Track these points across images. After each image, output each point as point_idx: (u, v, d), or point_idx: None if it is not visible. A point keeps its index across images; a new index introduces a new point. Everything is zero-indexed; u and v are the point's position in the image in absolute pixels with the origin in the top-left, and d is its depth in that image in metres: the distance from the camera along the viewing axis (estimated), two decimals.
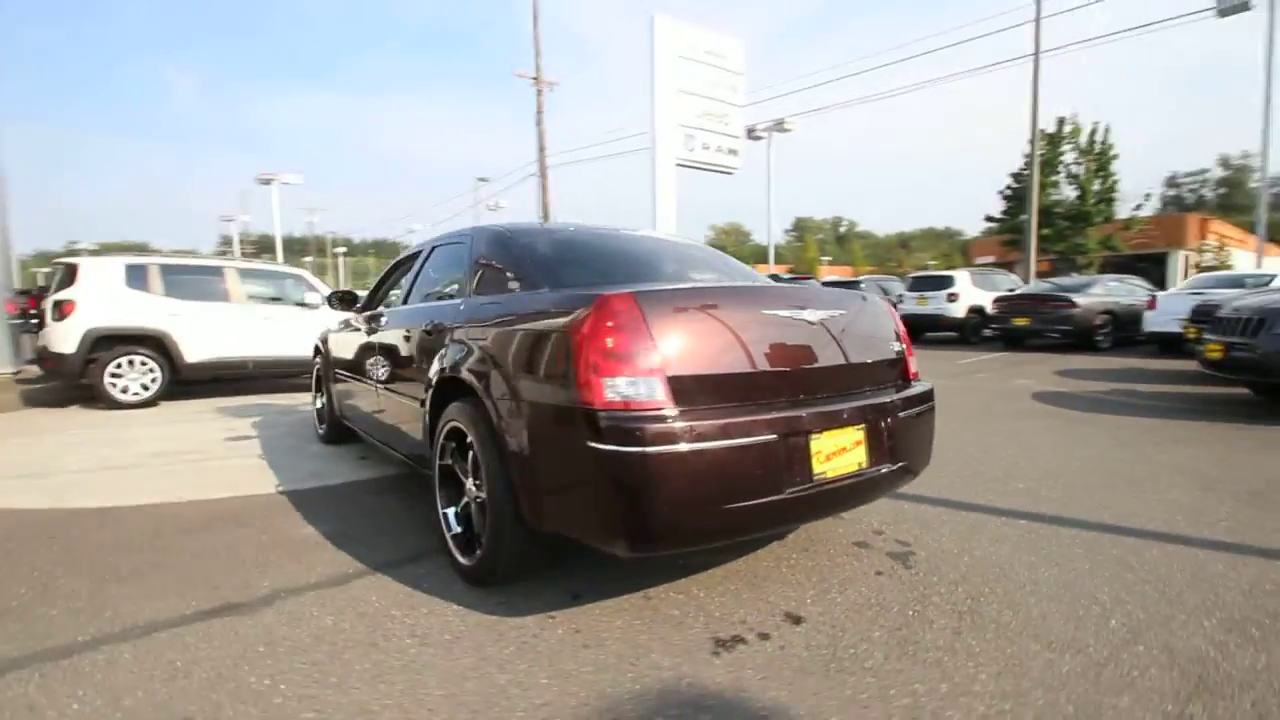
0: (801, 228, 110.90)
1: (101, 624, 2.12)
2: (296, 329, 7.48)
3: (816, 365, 2.16)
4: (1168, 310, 10.04)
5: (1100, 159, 27.67)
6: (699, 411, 1.84)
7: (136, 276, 6.67)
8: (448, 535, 2.54)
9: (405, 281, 3.46)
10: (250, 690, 1.75)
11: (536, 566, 2.35)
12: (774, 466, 1.91)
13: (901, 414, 2.31)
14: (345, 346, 4.21)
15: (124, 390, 6.53)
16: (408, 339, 3.04)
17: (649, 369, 1.82)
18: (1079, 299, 11.27)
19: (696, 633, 2.05)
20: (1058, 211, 27.99)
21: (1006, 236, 29.33)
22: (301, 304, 7.57)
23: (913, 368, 2.60)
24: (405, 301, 3.37)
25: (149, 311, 6.64)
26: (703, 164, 20.62)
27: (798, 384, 2.09)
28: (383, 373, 3.32)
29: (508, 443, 2.06)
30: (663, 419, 1.77)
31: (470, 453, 2.36)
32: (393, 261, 4.15)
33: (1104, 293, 11.75)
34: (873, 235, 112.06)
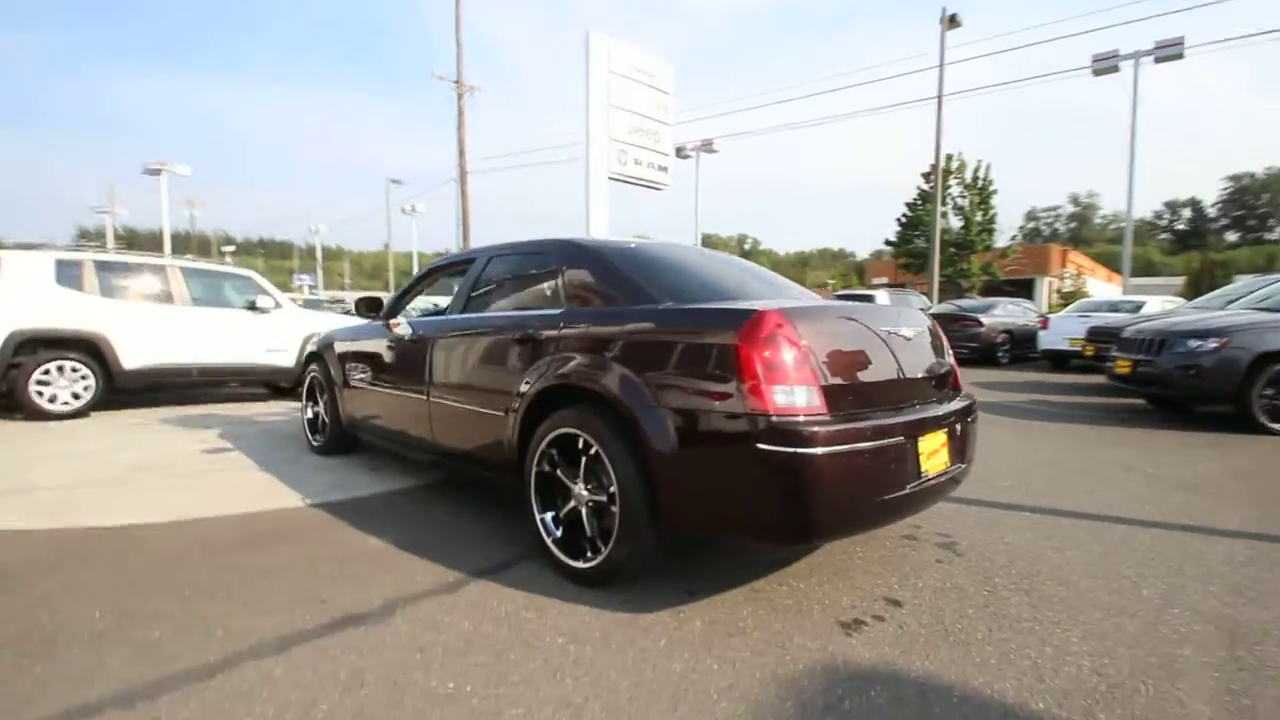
0: (708, 244, 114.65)
1: (222, 643, 2.03)
2: (247, 334, 7.03)
3: (912, 376, 2.45)
4: (1058, 330, 11.46)
5: (982, 193, 30.81)
6: (845, 416, 2.06)
7: (69, 273, 6.02)
8: (548, 540, 2.60)
9: (459, 290, 3.44)
10: (440, 694, 1.77)
11: (655, 566, 2.47)
12: (901, 465, 2.16)
13: (968, 419, 2.64)
14: (364, 354, 4.08)
15: (52, 399, 5.86)
16: (482, 348, 3.05)
17: (806, 378, 2.03)
18: (984, 319, 12.59)
19: (819, 618, 2.25)
20: (945, 239, 30.77)
21: (901, 260, 31.91)
22: (252, 307, 7.09)
23: (959, 379, 2.95)
24: (463, 310, 3.36)
25: (82, 312, 6.01)
26: (634, 179, 21.01)
27: (903, 392, 2.37)
28: (441, 382, 3.29)
29: (652, 447, 2.17)
30: (824, 423, 1.98)
31: (583, 459, 2.45)
32: (423, 270, 4.08)
33: (1003, 314, 13.19)
34: (775, 253, 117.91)
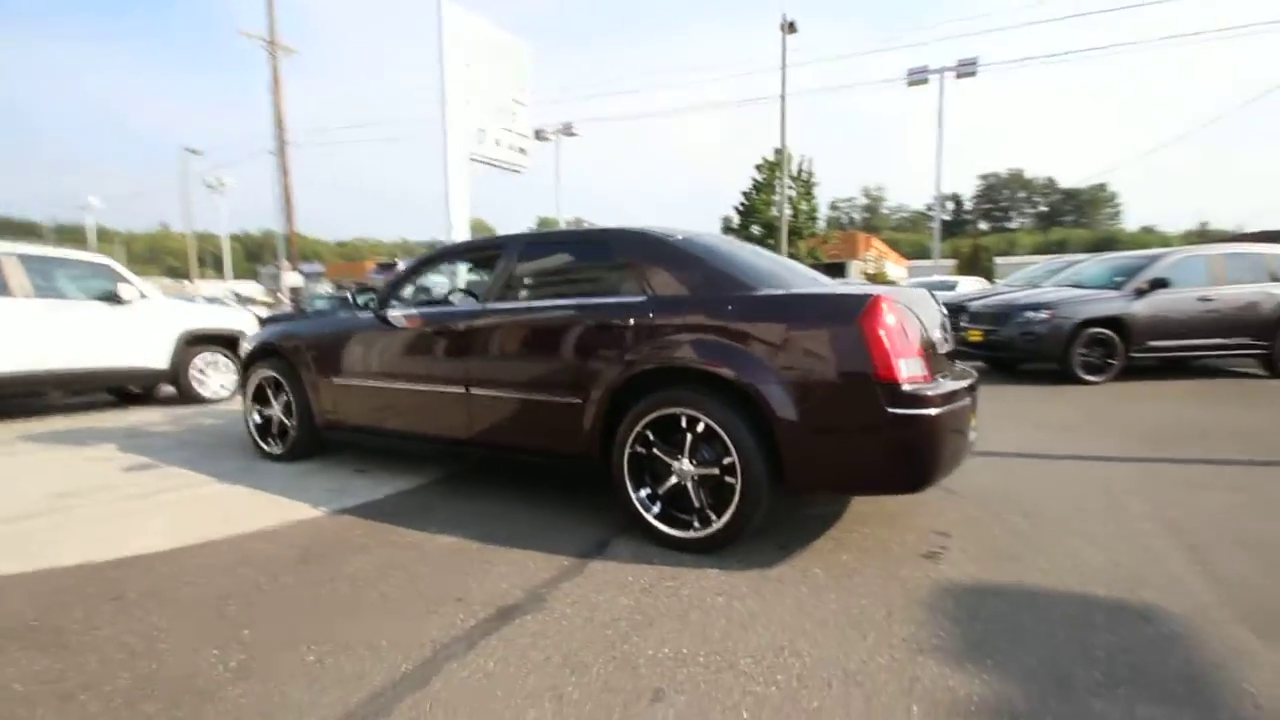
0: (545, 226, 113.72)
1: (402, 652, 1.94)
2: (108, 331, 5.96)
3: (943, 350, 2.93)
4: None
5: (806, 185, 34.13)
6: (936, 382, 2.47)
7: None
8: (647, 516, 2.74)
9: (493, 279, 3.33)
10: (668, 658, 1.90)
11: (758, 530, 2.72)
12: (965, 422, 2.63)
13: (977, 389, 3.20)
14: (354, 348, 3.78)
15: None
16: (545, 337, 3.03)
17: (916, 351, 2.40)
18: None
19: (902, 553, 2.66)
20: (777, 225, 33.74)
21: None
22: (112, 299, 6.01)
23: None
24: (502, 299, 3.26)
25: None
26: (494, 160, 20.38)
27: (942, 364, 2.83)
28: (486, 373, 3.19)
29: (779, 420, 2.42)
30: (935, 388, 2.37)
31: (688, 436, 2.63)
32: (419, 259, 3.83)
33: None
34: None
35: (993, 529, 2.92)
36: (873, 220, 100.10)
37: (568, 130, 22.92)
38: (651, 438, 2.73)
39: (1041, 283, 9.15)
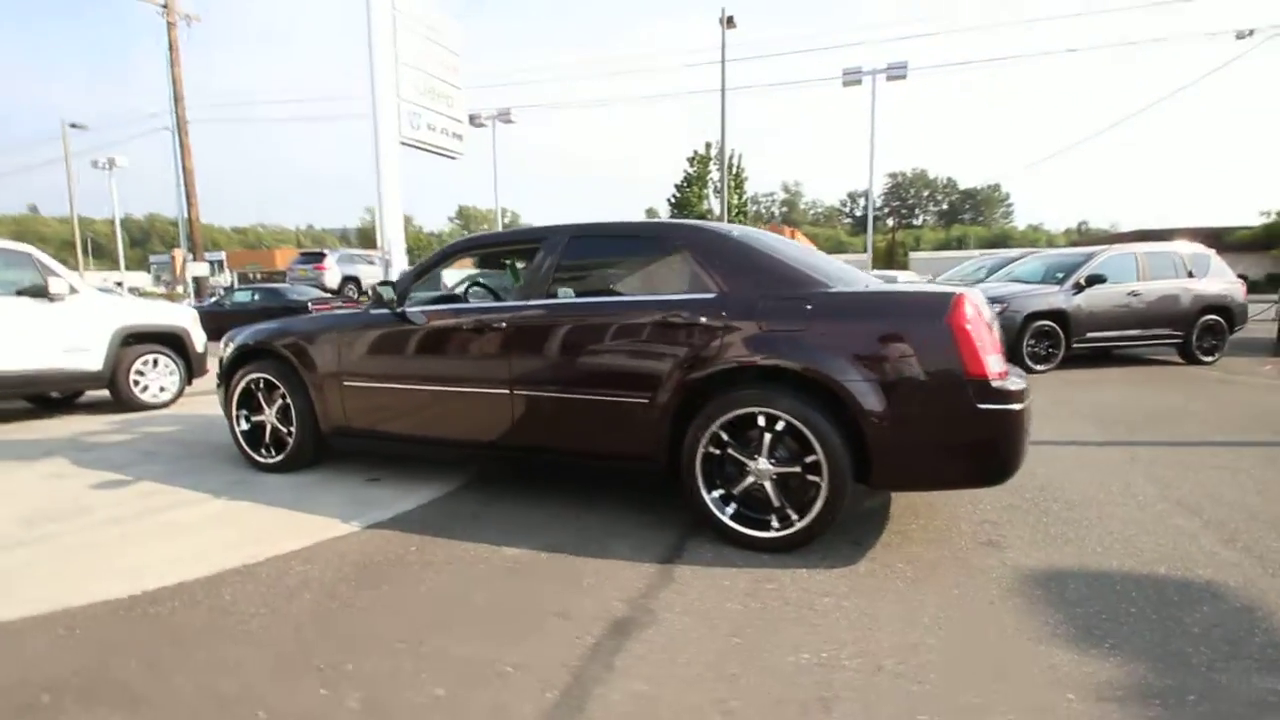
0: (466, 216, 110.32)
1: (535, 680, 1.81)
2: (31, 330, 5.27)
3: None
4: None
5: (737, 178, 34.83)
6: (1011, 377, 2.56)
7: None
8: (722, 518, 2.70)
9: (534, 273, 3.15)
10: (825, 663, 1.87)
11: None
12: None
13: None
14: (368, 348, 3.50)
15: None
16: (605, 336, 2.90)
17: (997, 347, 2.47)
18: None
19: (968, 543, 2.76)
20: (711, 218, 34.27)
21: None
22: (38, 293, 5.30)
23: None
24: (548, 295, 3.10)
25: None
26: (428, 145, 19.44)
27: None
28: (534, 373, 3.03)
29: (867, 417, 2.43)
30: (1015, 382, 2.45)
31: (766, 435, 2.60)
32: (442, 251, 3.57)
33: None
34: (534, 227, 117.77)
35: (1033, 515, 3.07)
36: (791, 215, 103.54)
37: (504, 117, 22.22)
38: (725, 438, 2.69)
39: (984, 279, 9.74)
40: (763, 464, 2.64)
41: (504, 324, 3.11)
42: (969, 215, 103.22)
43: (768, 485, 2.65)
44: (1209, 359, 8.13)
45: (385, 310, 3.46)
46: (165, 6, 21.40)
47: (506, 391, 3.10)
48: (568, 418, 3.01)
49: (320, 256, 20.26)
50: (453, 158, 21.64)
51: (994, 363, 2.41)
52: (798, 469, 2.60)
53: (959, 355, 2.38)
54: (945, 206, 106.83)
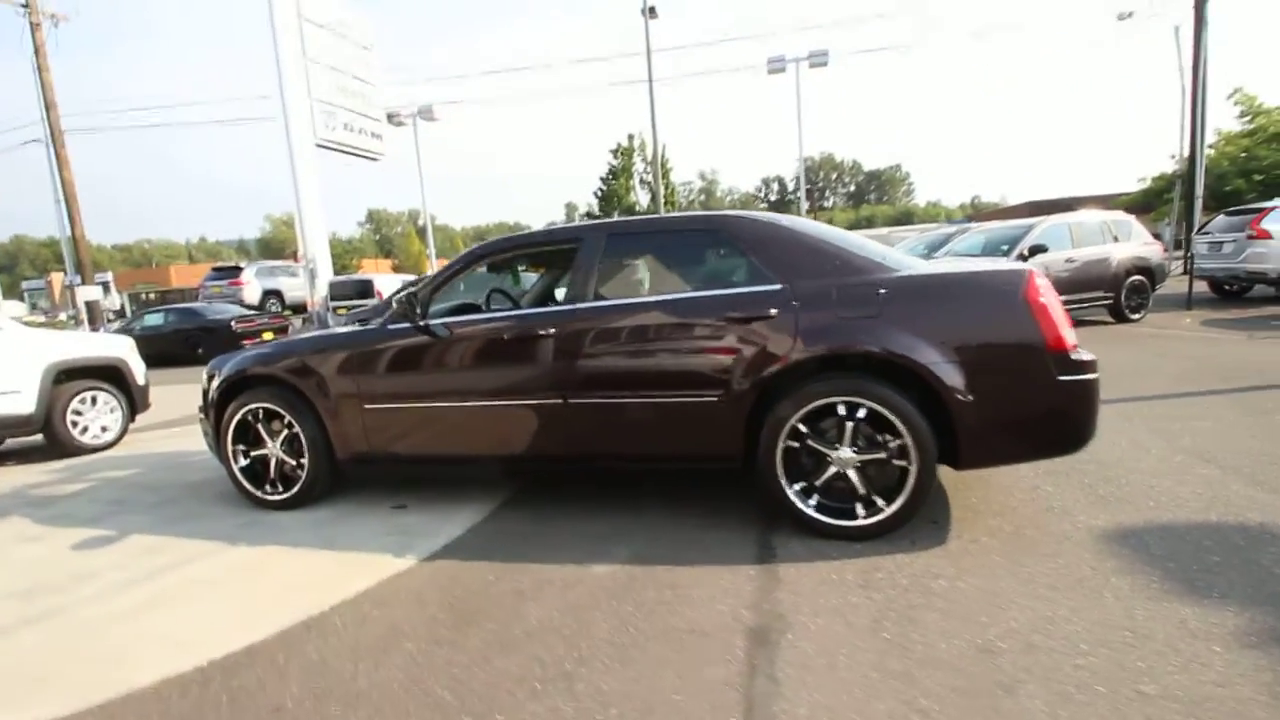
0: (377, 220, 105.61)
1: (712, 711, 1.72)
2: None
3: None
4: None
5: (663, 169, 34.95)
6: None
7: None
8: (806, 510, 2.67)
9: (577, 275, 2.98)
10: (965, 651, 1.87)
11: None
12: None
13: None
14: (392, 365, 3.23)
15: None
16: (668, 334, 2.79)
17: (1068, 319, 2.55)
18: None
19: (1033, 510, 2.85)
20: (638, 211, 34.30)
21: None
22: None
23: None
24: (596, 297, 2.94)
25: None
26: (345, 146, 18.34)
27: None
28: (593, 378, 2.87)
29: (954, 397, 2.46)
30: (1087, 352, 2.53)
31: (848, 424, 2.59)
32: (463, 258, 3.31)
33: None
34: (450, 228, 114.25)
35: (1073, 478, 3.20)
36: (709, 203, 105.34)
37: (427, 114, 21.24)
38: (804, 430, 2.65)
39: (931, 255, 10.20)
40: (845, 453, 2.62)
41: (553, 329, 2.94)
42: (874, 195, 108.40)
43: (851, 474, 2.63)
44: (1136, 316, 8.86)
45: (406, 324, 3.21)
46: (26, 6, 19.25)
47: (559, 400, 2.93)
48: (632, 422, 2.88)
49: (236, 271, 18.81)
50: (374, 159, 20.60)
51: (1070, 335, 2.48)
52: (882, 455, 2.60)
53: (1039, 330, 2.44)
54: (853, 188, 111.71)
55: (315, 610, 2.36)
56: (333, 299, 17.01)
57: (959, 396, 2.47)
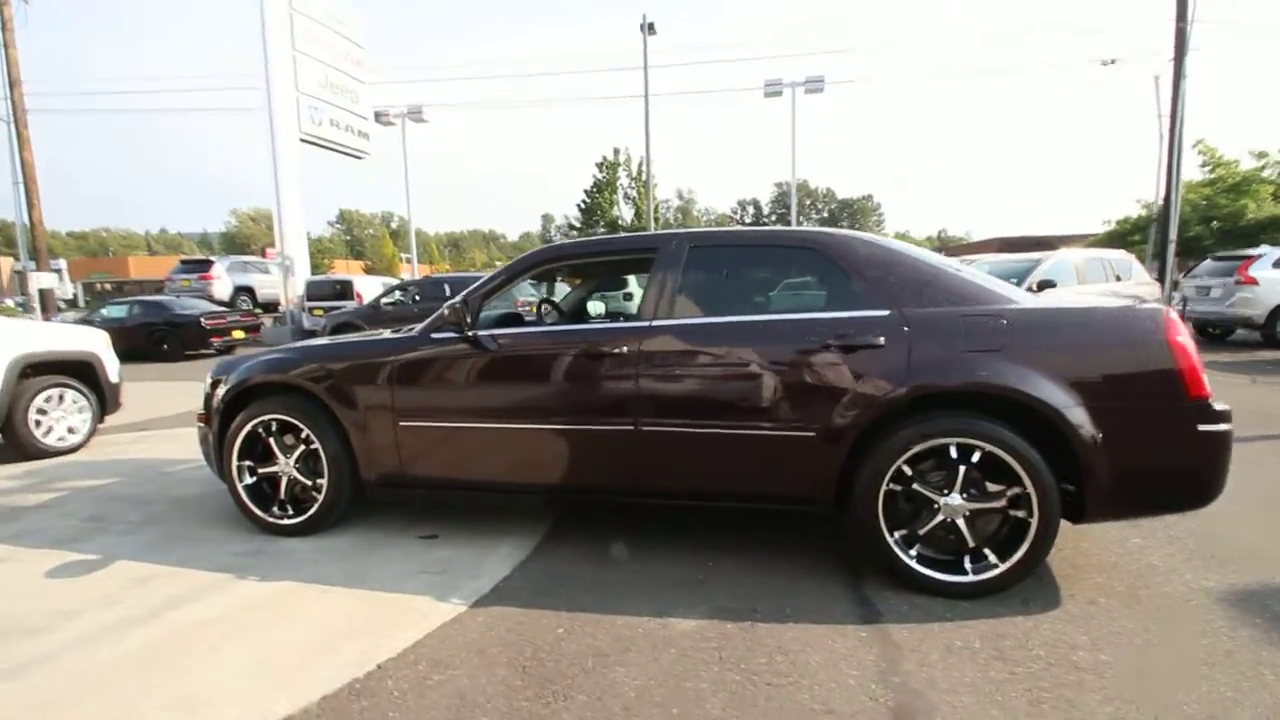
0: (348, 220, 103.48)
1: None
2: None
3: None
4: None
5: (647, 184, 34.91)
6: None
7: None
8: (909, 562, 2.41)
9: (654, 288, 2.69)
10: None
11: None
12: None
13: None
14: (441, 377, 2.88)
15: None
16: (760, 359, 2.51)
17: (1202, 364, 2.36)
18: None
19: (1133, 566, 2.64)
20: (621, 226, 34.15)
21: None
22: None
23: None
24: (672, 315, 2.65)
25: None
26: (331, 143, 17.99)
27: None
28: (669, 404, 2.58)
29: (1085, 444, 2.23)
30: (1223, 403, 2.33)
31: (960, 468, 2.35)
32: (522, 262, 2.98)
33: None
34: (425, 233, 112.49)
35: (1157, 529, 3.01)
36: (686, 221, 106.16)
37: (416, 115, 20.68)
38: (909, 471, 2.40)
39: None
40: (955, 500, 2.37)
41: (625, 349, 2.64)
42: (846, 223, 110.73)
43: (960, 523, 2.38)
44: None
45: (451, 333, 2.87)
46: None
47: (630, 427, 2.63)
48: (712, 456, 2.59)
49: (206, 264, 17.95)
50: (359, 157, 20.08)
51: (1208, 382, 2.29)
52: (998, 505, 2.36)
53: (1180, 375, 2.24)
54: (825, 215, 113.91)
55: (360, 670, 1.99)
56: (309, 299, 16.39)
57: (1091, 444, 2.25)
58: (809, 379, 2.49)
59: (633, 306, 3.80)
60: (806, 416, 2.47)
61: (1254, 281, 9.96)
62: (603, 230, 33.44)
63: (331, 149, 17.78)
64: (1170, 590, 2.44)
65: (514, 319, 3.46)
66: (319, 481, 3.05)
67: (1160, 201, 21.49)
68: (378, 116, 19.79)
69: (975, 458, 2.34)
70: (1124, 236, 26.35)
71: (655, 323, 2.67)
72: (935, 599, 2.37)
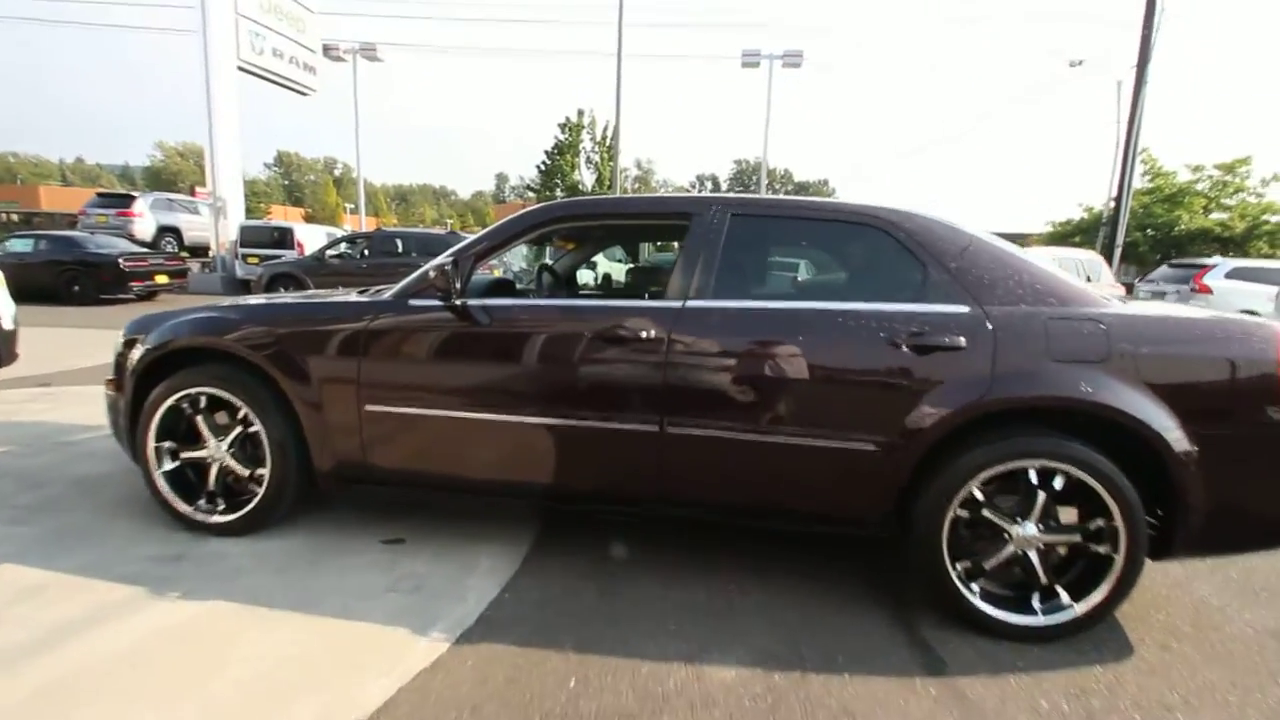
0: (286, 163, 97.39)
1: None
2: None
3: None
4: None
5: (610, 150, 33.88)
6: None
7: None
8: (973, 599, 2.09)
9: (690, 260, 2.23)
10: None
11: None
12: None
13: None
14: (418, 353, 2.37)
15: None
16: (818, 354, 2.11)
17: None
18: None
19: (1197, 607, 2.42)
20: (583, 189, 33.12)
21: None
22: None
23: None
24: (706, 293, 2.20)
25: None
26: (272, 74, 16.45)
27: None
28: (704, 404, 2.15)
29: (1187, 471, 1.94)
30: None
31: (1039, 494, 2.03)
32: (524, 221, 2.45)
33: None
34: (371, 183, 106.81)
35: (1203, 564, 2.80)
36: (643, 190, 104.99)
37: (369, 53, 19.01)
38: (979, 496, 2.07)
39: None
40: (1029, 530, 2.06)
41: (653, 332, 2.19)
42: None
43: (1033, 556, 2.08)
44: None
45: (436, 299, 2.35)
46: None
47: (654, 428, 2.19)
48: (751, 466, 2.19)
49: (127, 200, 16.22)
50: (304, 93, 18.55)
51: None
52: (1077, 537, 2.06)
53: None
54: (782, 195, 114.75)
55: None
56: (243, 245, 15.05)
57: (1193, 474, 1.96)
58: (872, 382, 2.12)
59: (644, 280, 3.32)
60: (867, 426, 2.10)
61: (1208, 290, 10.25)
62: (561, 194, 32.33)
63: (273, 81, 16.26)
64: (1236, 632, 2.22)
65: (505, 287, 2.94)
66: (259, 471, 2.50)
67: (1104, 205, 22.25)
68: (326, 50, 18.19)
69: (1058, 483, 2.02)
70: (1065, 238, 27.30)
71: (690, 304, 2.22)
72: (1000, 642, 2.07)
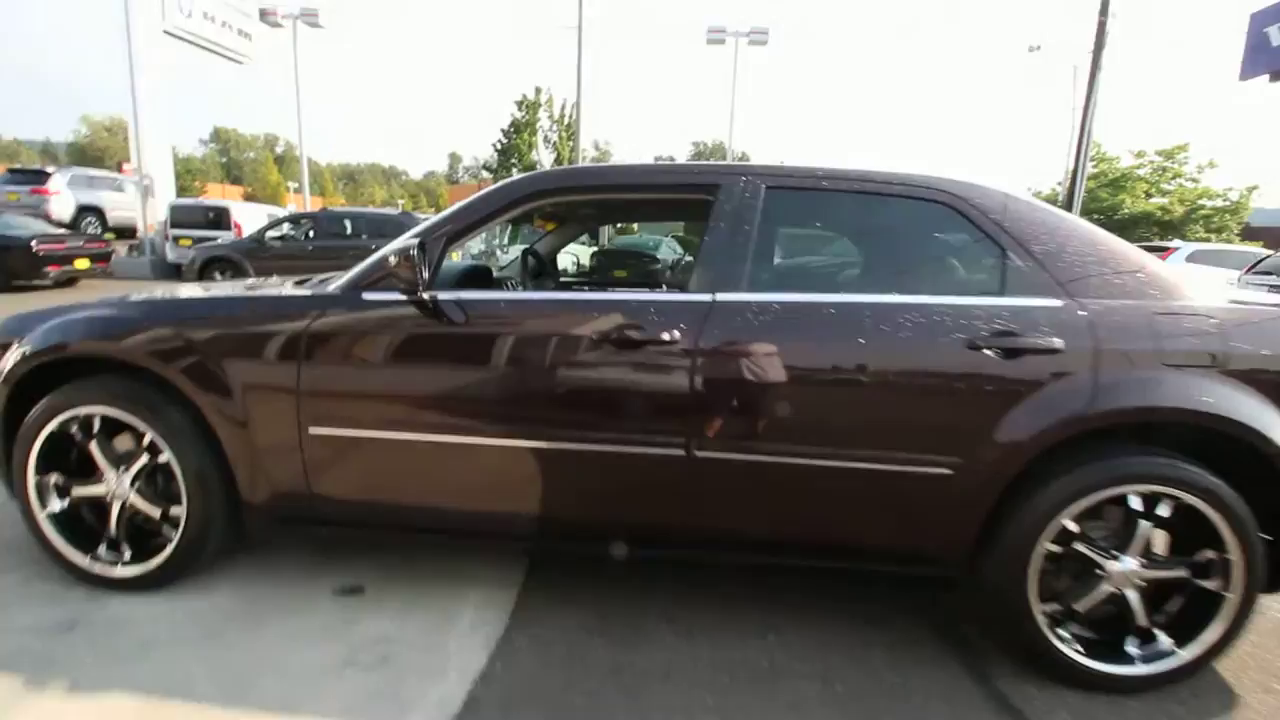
0: (224, 139, 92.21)
1: None
2: None
3: None
4: None
5: (570, 129, 32.91)
6: None
7: None
8: (1062, 646, 1.76)
9: (722, 242, 1.80)
10: None
11: None
12: None
13: None
14: (397, 363, 1.88)
15: None
16: (883, 358, 1.71)
17: None
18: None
19: (1269, 628, 2.16)
20: (538, 169, 32.18)
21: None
22: None
23: None
24: (754, 286, 1.78)
25: None
26: (204, 40, 15.13)
27: None
28: (736, 420, 1.74)
29: None
30: None
31: (1141, 523, 1.70)
32: (507, 188, 1.97)
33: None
34: (316, 162, 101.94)
35: None
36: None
37: (310, 19, 17.55)
38: (1074, 528, 1.73)
39: None
40: (1129, 564, 1.73)
41: (677, 334, 1.75)
42: None
43: (1131, 595, 1.75)
44: None
45: (395, 294, 1.86)
46: None
47: (680, 451, 1.77)
48: (800, 496, 1.79)
49: (42, 176, 14.72)
50: (239, 62, 17.25)
51: None
52: (1183, 571, 1.74)
53: None
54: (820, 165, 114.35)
55: None
56: (175, 226, 13.85)
57: None
58: (948, 392, 1.74)
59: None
60: (942, 446, 1.72)
61: None
62: (518, 174, 31.34)
63: (205, 48, 14.97)
64: None
65: (482, 276, 2.45)
66: (173, 510, 1.98)
67: (1052, 190, 22.71)
68: (263, 15, 16.82)
69: (1164, 511, 1.70)
70: None
71: (721, 297, 1.79)
72: (1091, 695, 1.75)
